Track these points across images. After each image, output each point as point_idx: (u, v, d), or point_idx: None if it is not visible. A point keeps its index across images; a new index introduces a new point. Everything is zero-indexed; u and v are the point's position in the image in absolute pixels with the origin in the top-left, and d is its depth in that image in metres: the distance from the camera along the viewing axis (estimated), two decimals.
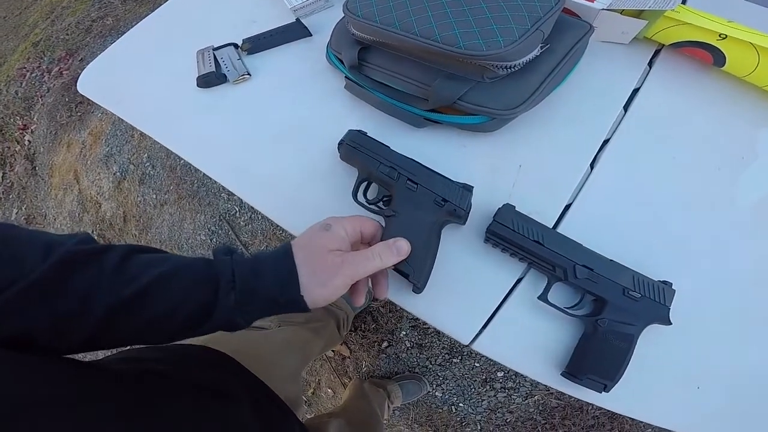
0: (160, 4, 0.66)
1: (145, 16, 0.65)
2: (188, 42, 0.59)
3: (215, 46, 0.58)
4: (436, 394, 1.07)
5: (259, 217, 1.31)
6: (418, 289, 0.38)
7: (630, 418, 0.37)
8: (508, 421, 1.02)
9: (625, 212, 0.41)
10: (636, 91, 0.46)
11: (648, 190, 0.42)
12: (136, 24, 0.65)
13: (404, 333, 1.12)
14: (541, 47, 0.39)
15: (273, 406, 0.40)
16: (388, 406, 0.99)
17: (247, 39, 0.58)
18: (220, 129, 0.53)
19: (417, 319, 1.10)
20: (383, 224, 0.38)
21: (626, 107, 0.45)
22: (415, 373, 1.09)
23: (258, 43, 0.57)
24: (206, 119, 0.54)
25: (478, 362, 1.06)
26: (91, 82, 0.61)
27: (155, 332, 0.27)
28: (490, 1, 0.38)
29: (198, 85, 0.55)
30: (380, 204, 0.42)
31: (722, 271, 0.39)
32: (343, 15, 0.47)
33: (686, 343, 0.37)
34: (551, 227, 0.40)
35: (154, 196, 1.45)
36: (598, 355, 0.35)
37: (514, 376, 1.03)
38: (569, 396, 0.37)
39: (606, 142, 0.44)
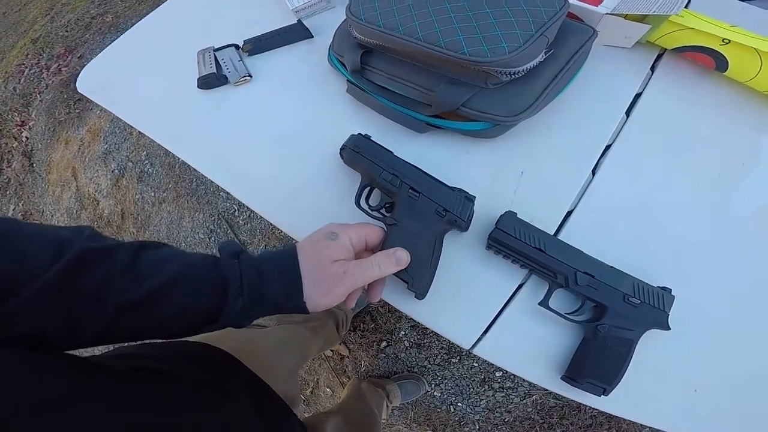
0: (160, 3, 0.66)
1: (145, 13, 0.65)
2: (189, 42, 0.59)
3: (216, 47, 0.57)
4: (435, 393, 1.08)
5: (258, 216, 1.31)
6: (420, 296, 0.38)
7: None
8: (506, 420, 1.03)
9: (625, 218, 0.41)
10: (638, 96, 0.46)
11: (649, 196, 0.42)
12: (135, 21, 0.64)
13: (403, 333, 1.12)
14: (545, 53, 0.39)
15: (273, 404, 0.40)
16: (387, 406, 0.99)
17: (248, 40, 0.57)
18: (220, 131, 0.53)
19: None
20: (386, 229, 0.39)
21: (628, 112, 0.45)
22: (414, 372, 1.09)
23: (259, 44, 0.57)
24: (207, 121, 0.54)
25: (476, 362, 1.06)
26: (91, 81, 0.61)
27: (163, 330, 0.28)
28: (495, 6, 0.38)
29: (198, 86, 0.55)
30: (382, 211, 0.42)
31: (721, 278, 0.39)
32: (344, 17, 0.47)
33: (684, 347, 0.37)
34: (553, 234, 0.40)
35: (153, 194, 1.44)
36: (598, 359, 0.36)
37: (512, 376, 1.04)
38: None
39: (608, 147, 0.44)
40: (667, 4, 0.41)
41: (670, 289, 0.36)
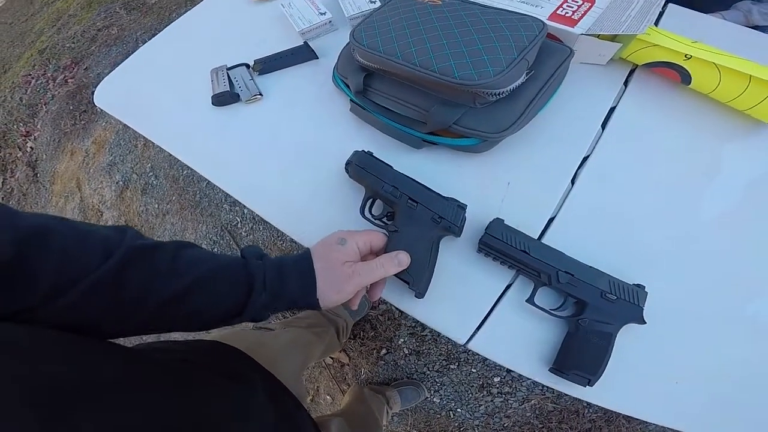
0: (165, 18, 0.69)
1: (150, 26, 0.68)
2: (200, 59, 0.62)
3: (228, 66, 0.61)
4: (434, 399, 1.08)
5: (260, 228, 1.33)
6: (419, 294, 0.41)
7: (625, 416, 0.38)
8: (505, 425, 1.03)
9: (602, 223, 0.45)
10: (612, 109, 0.50)
11: (623, 203, 0.46)
12: (140, 35, 0.68)
13: (402, 340, 1.13)
14: (527, 74, 0.44)
15: (285, 395, 0.43)
16: (387, 412, 1.00)
17: (258, 60, 0.61)
18: (234, 146, 0.56)
19: (415, 326, 1.13)
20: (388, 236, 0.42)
21: (604, 125, 0.49)
22: (413, 379, 1.10)
23: (268, 65, 0.61)
24: (220, 136, 0.57)
25: (474, 368, 1.07)
26: (108, 95, 0.64)
27: (196, 322, 0.32)
28: (482, 32, 0.43)
29: (213, 103, 0.59)
30: (384, 219, 0.46)
31: (690, 276, 0.42)
32: (347, 41, 0.51)
33: (662, 341, 0.40)
34: (537, 238, 0.44)
35: (157, 206, 1.46)
36: (581, 351, 0.39)
37: (510, 381, 1.04)
38: (565, 400, 0.40)
39: (585, 158, 0.48)
40: (634, 25, 0.45)
41: (644, 286, 0.40)
